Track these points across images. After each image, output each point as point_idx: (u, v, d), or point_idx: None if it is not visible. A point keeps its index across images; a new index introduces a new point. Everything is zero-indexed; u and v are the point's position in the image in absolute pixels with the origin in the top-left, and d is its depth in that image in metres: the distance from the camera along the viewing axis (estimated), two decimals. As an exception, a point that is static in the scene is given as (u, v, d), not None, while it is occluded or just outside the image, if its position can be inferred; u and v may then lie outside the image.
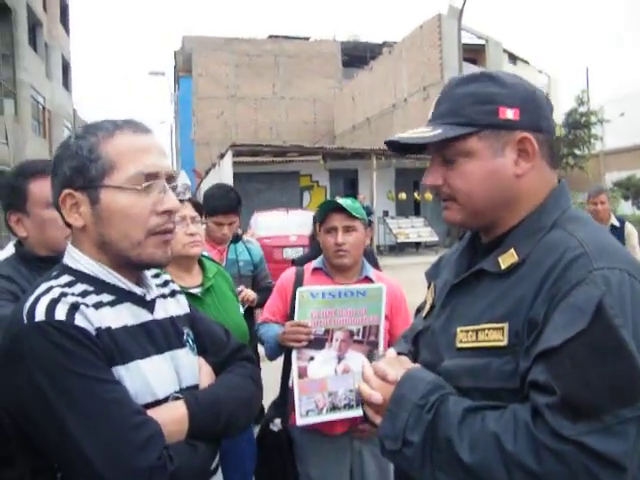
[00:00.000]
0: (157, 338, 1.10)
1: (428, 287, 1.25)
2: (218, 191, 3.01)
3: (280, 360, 2.16)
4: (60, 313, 0.95)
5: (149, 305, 1.12)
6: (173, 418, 1.02)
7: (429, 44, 20.19)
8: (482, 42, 21.63)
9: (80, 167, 1.03)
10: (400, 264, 12.92)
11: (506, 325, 0.94)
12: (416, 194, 18.61)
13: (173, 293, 1.25)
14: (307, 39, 33.05)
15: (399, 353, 1.19)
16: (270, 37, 32.60)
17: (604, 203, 4.66)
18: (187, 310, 1.26)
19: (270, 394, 1.99)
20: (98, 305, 1.02)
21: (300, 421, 1.99)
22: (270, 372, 2.37)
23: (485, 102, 1.01)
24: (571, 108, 19.85)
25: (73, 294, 1.00)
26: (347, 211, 2.08)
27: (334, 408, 2.01)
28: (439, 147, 1.05)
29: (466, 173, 1.02)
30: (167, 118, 56.14)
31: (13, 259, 1.63)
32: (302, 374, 2.01)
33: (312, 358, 2.02)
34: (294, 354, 2.02)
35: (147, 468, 0.91)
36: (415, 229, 17.25)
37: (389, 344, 1.95)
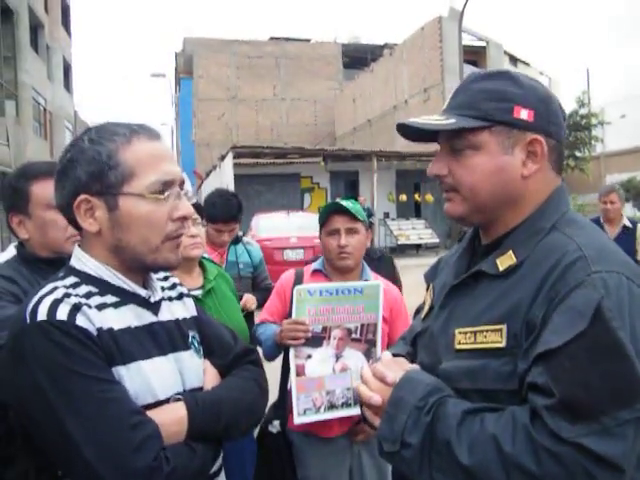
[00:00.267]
0: (161, 340, 1.10)
1: (427, 289, 1.25)
2: (219, 200, 2.97)
3: (278, 361, 2.16)
4: (62, 313, 0.96)
5: (153, 307, 1.13)
6: (172, 419, 1.02)
7: (430, 46, 20.23)
8: (483, 44, 21.68)
9: (98, 173, 1.03)
10: (401, 266, 12.87)
11: (504, 327, 0.94)
12: (417, 196, 18.62)
13: (181, 296, 1.26)
14: (308, 41, 33.12)
15: (397, 355, 1.19)
16: (271, 39, 32.67)
17: (614, 203, 4.50)
18: (194, 313, 1.26)
19: (268, 395, 1.98)
20: (101, 306, 1.03)
21: (298, 420, 1.97)
22: (268, 373, 2.36)
23: (502, 99, 1.01)
24: (572, 110, 19.88)
25: (77, 295, 1.01)
26: (350, 213, 2.08)
27: (332, 407, 1.99)
28: (449, 137, 1.05)
29: (472, 166, 1.03)
30: (168, 120, 56.32)
31: (14, 260, 1.63)
32: (300, 372, 2.00)
33: (310, 356, 2.00)
34: (291, 352, 2.00)
35: (143, 468, 0.91)
36: (416, 231, 17.23)
37: (388, 348, 1.95)
